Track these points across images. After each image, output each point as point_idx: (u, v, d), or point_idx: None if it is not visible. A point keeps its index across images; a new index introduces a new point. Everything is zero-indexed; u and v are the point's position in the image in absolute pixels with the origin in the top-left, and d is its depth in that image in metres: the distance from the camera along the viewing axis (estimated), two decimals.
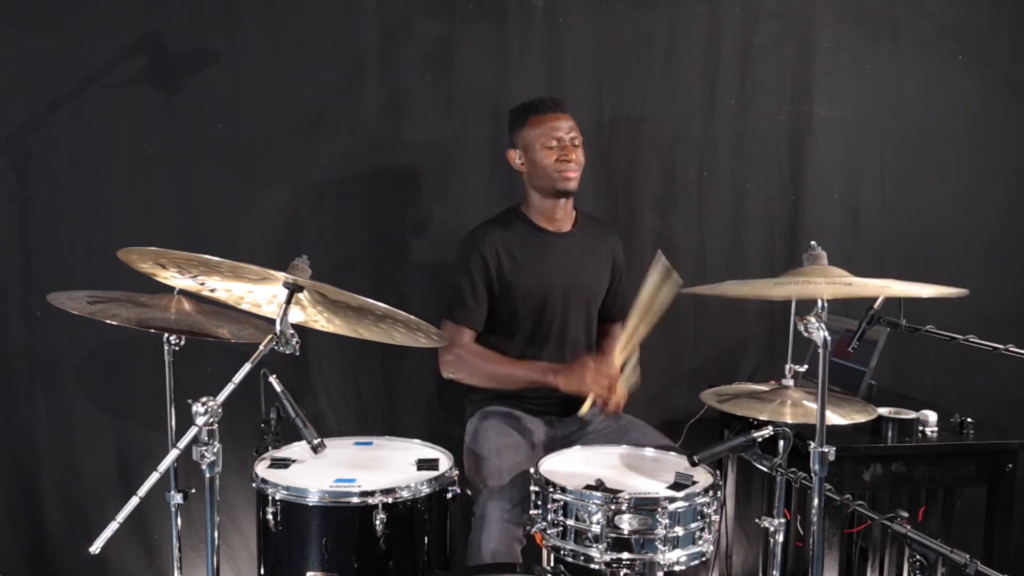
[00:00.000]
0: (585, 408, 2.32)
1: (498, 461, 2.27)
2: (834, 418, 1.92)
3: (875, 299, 1.95)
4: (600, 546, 1.87)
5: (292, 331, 1.62)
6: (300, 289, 1.68)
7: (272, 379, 1.88)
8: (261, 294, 1.81)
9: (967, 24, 3.05)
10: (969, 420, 2.43)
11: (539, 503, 1.99)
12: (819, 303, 1.68)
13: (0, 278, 2.62)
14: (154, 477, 1.47)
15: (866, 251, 3.04)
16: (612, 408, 2.32)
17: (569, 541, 1.92)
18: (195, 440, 1.55)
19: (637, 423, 2.47)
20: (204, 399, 1.54)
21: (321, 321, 1.88)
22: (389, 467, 2.12)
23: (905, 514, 1.69)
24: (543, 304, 2.49)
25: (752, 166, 2.98)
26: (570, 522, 1.92)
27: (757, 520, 2.06)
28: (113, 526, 1.42)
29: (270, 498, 1.94)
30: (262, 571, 2.03)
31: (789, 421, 1.92)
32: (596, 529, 1.87)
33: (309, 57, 2.71)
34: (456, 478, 2.08)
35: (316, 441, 1.85)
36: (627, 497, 1.87)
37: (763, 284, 1.85)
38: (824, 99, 2.99)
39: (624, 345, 2.35)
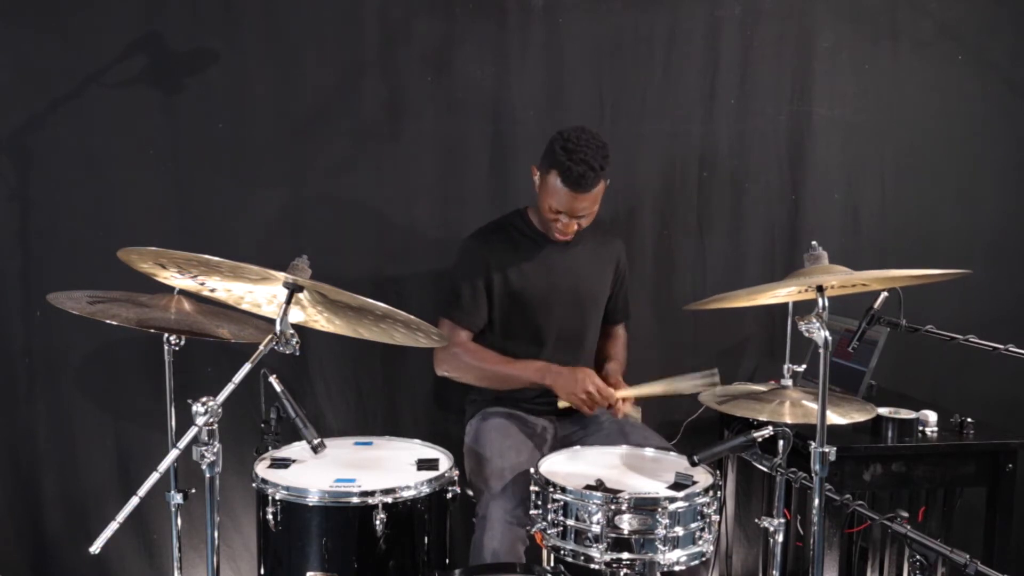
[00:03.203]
0: (563, 403, 2.40)
1: (500, 461, 2.27)
2: (834, 418, 1.92)
3: (875, 299, 1.95)
4: (600, 546, 1.87)
5: (292, 331, 1.62)
6: (300, 289, 1.68)
7: (272, 379, 1.89)
8: (261, 294, 1.81)
9: (967, 24, 3.05)
10: (969, 420, 2.43)
11: (539, 503, 1.99)
12: (820, 303, 1.67)
13: (0, 278, 2.62)
14: (154, 477, 1.47)
15: (866, 251, 3.03)
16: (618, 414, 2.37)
17: (569, 541, 1.92)
18: (195, 440, 1.56)
19: (637, 425, 2.47)
20: (204, 399, 1.54)
21: (321, 321, 1.88)
22: (389, 467, 2.12)
23: (905, 514, 1.69)
24: (543, 309, 2.48)
25: (752, 166, 2.98)
26: (570, 522, 1.92)
27: (757, 520, 2.06)
28: (113, 526, 1.42)
29: (270, 498, 1.94)
30: (262, 571, 2.03)
31: (788, 421, 1.92)
32: (596, 529, 1.87)
33: (309, 57, 2.71)
34: (456, 478, 2.08)
35: (316, 441, 1.86)
36: (627, 497, 1.87)
37: (770, 289, 1.84)
38: (824, 99, 2.99)
39: (636, 393, 2.39)
